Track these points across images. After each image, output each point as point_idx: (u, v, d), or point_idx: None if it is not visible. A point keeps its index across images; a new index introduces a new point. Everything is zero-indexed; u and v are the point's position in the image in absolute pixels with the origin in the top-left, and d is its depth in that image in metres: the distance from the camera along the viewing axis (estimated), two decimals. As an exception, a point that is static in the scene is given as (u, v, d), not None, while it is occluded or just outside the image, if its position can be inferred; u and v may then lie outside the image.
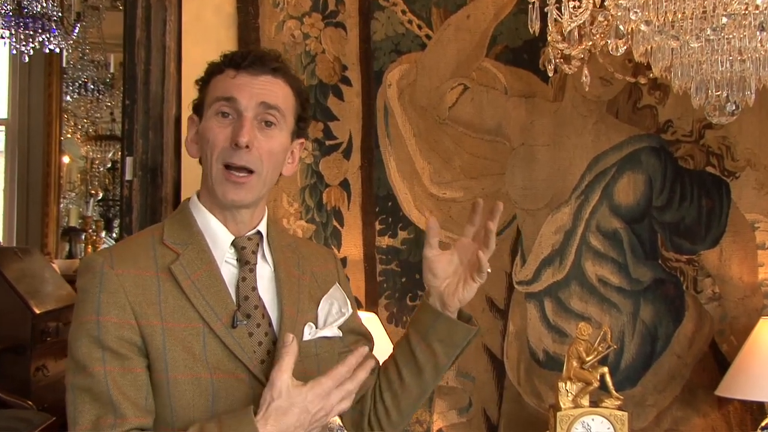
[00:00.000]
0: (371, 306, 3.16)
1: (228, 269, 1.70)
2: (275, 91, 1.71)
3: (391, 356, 1.93)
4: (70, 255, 9.26)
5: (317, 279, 1.84)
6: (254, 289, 1.70)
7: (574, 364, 2.89)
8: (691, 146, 3.19)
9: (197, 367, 1.62)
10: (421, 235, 3.18)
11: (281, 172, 1.77)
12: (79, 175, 10.92)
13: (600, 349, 2.89)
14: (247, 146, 1.65)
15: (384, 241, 3.20)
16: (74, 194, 10.66)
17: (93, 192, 10.74)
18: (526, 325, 3.20)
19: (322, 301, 1.81)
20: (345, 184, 3.19)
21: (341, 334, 1.82)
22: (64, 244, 9.38)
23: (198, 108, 1.75)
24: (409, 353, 1.88)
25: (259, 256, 1.74)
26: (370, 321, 2.99)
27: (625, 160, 3.20)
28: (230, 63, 1.71)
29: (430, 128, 3.21)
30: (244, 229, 1.73)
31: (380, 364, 1.92)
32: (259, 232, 1.75)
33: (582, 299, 3.18)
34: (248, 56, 1.71)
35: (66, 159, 9.36)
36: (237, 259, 1.72)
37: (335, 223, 3.17)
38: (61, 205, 9.27)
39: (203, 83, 1.75)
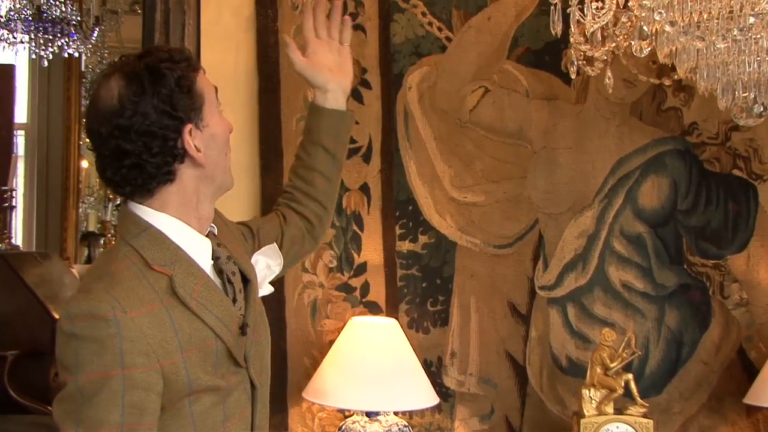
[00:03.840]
0: (392, 311, 3.13)
1: (212, 275, 1.70)
2: None
3: (302, 165, 2.15)
4: (89, 260, 9.29)
5: (234, 234, 1.91)
6: (234, 273, 1.74)
7: (598, 370, 2.85)
8: (717, 149, 3.14)
9: (215, 380, 1.61)
10: (443, 239, 3.16)
11: None
12: (97, 180, 10.95)
13: (624, 355, 2.85)
14: None
15: (404, 246, 3.17)
16: (93, 199, 10.69)
17: (111, 196, 10.77)
18: (548, 331, 3.16)
19: (252, 260, 1.85)
20: (365, 188, 3.16)
21: (272, 290, 1.91)
22: (83, 249, 9.41)
23: (192, 114, 1.65)
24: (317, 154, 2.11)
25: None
26: (391, 326, 2.97)
27: (649, 163, 3.15)
28: (198, 65, 1.72)
29: (451, 131, 3.17)
30: (206, 230, 1.73)
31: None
32: (212, 227, 1.76)
33: (605, 305, 3.14)
34: (188, 52, 1.75)
35: (85, 163, 9.38)
36: (216, 258, 1.70)
37: (355, 227, 3.14)
38: (80, 210, 9.30)
39: (189, 86, 1.65)
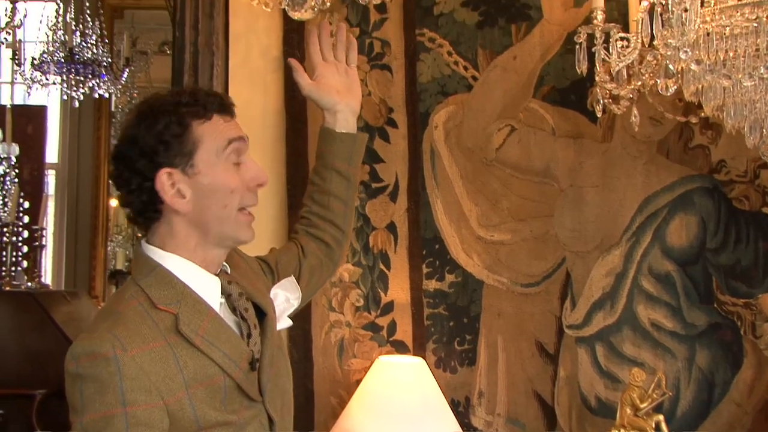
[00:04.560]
0: (419, 350, 3.12)
1: (222, 312, 1.69)
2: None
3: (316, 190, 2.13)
4: (118, 298, 9.32)
5: (254, 271, 1.91)
6: (247, 310, 1.72)
7: (628, 411, 2.81)
8: (746, 186, 3.12)
9: (224, 416, 1.61)
10: (470, 278, 3.15)
11: None
12: (126, 218, 11.05)
13: (654, 395, 2.81)
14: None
15: (431, 285, 3.16)
16: (121, 237, 10.77)
17: (139, 235, 10.84)
18: (577, 371, 3.13)
19: (270, 294, 1.84)
20: (392, 227, 3.16)
21: (291, 323, 1.88)
22: (110, 287, 9.46)
23: (178, 161, 1.65)
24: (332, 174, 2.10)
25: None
26: (418, 366, 2.95)
27: (677, 201, 3.13)
28: (215, 108, 1.68)
29: (477, 170, 3.18)
30: (217, 268, 1.72)
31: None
32: (224, 266, 1.76)
33: (635, 344, 3.11)
34: (223, 100, 1.72)
35: (113, 202, 9.47)
36: (227, 295, 1.70)
37: (382, 266, 3.14)
38: (108, 248, 9.37)
39: (181, 131, 1.64)
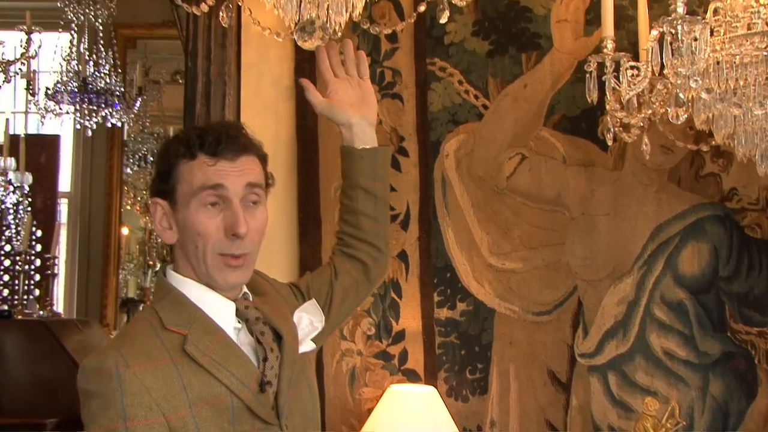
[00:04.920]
0: (430, 379, 3.11)
1: (235, 334, 1.70)
2: (254, 169, 1.72)
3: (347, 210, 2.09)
4: (129, 326, 9.32)
5: (284, 297, 1.90)
6: (263, 333, 1.72)
7: (642, 440, 2.79)
8: (758, 214, 3.12)
9: None
10: (481, 306, 3.14)
11: None
12: (137, 246, 11.07)
13: (668, 425, 2.79)
14: (245, 235, 1.66)
15: (443, 313, 3.16)
16: (132, 265, 10.79)
17: (151, 263, 10.86)
18: (589, 400, 3.11)
19: (294, 317, 1.84)
20: (403, 256, 3.17)
21: (315, 347, 1.87)
22: (122, 315, 9.47)
23: (166, 193, 1.69)
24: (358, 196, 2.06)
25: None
26: (429, 395, 2.94)
27: (688, 229, 3.13)
28: (202, 148, 1.67)
29: (489, 198, 3.18)
30: (236, 294, 1.74)
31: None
32: (246, 294, 1.77)
33: (648, 373, 3.09)
34: (221, 140, 1.68)
35: (125, 230, 9.50)
36: (245, 320, 1.71)
37: (393, 295, 3.14)
38: (120, 276, 9.38)
39: (169, 168, 1.68)
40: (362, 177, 2.05)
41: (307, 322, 1.85)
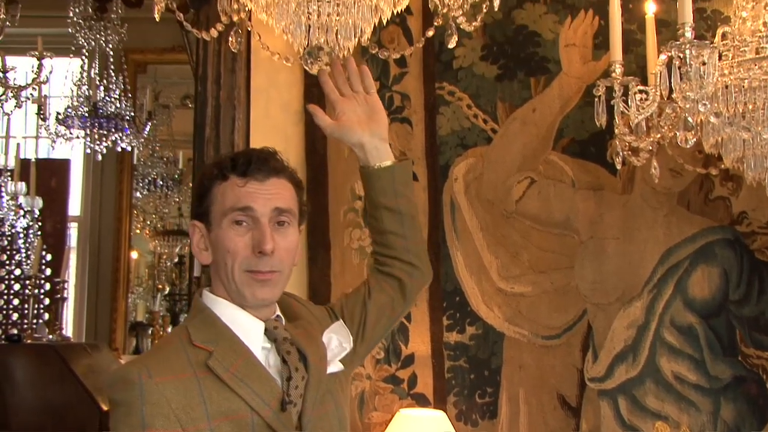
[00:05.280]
0: (439, 403, 3.10)
1: (263, 354, 1.73)
2: (284, 193, 1.75)
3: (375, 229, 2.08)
4: (137, 350, 9.33)
5: (318, 320, 1.91)
6: (289, 353, 1.74)
7: (652, 465, 2.77)
8: (768, 238, 3.11)
9: None
10: (490, 330, 3.14)
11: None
12: (146, 270, 11.09)
13: (679, 450, 2.78)
14: (271, 252, 1.69)
15: (452, 337, 3.15)
16: (142, 289, 10.80)
17: (160, 287, 10.87)
18: (599, 424, 3.09)
19: (323, 338, 1.85)
20: (412, 279, 3.16)
21: (344, 368, 1.87)
22: (131, 339, 9.46)
23: (202, 215, 1.75)
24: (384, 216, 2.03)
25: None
26: (439, 419, 2.93)
27: (698, 252, 3.12)
28: (234, 170, 1.73)
29: (497, 222, 3.18)
30: (268, 315, 1.76)
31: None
32: (278, 316, 1.79)
33: (658, 397, 3.07)
34: (252, 161, 1.73)
35: (134, 254, 9.52)
36: (273, 340, 1.73)
37: (402, 318, 3.13)
38: (129, 300, 9.39)
39: (204, 190, 1.75)
40: (382, 196, 2.03)
41: (336, 342, 1.86)
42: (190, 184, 8.31)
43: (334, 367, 1.84)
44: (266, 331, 1.74)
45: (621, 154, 2.66)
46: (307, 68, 2.26)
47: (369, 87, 2.03)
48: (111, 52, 6.98)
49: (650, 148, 2.62)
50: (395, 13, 2.01)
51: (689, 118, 2.34)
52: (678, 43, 2.05)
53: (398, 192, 2.03)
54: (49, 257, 6.89)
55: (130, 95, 7.32)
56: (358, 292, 2.04)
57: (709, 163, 3.02)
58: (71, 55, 7.06)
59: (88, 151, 7.15)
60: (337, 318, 1.96)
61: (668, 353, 3.10)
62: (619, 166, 2.71)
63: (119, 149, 7.34)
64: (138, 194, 9.53)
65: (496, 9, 2.17)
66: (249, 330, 1.73)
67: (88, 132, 6.85)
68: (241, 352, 1.68)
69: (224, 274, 1.72)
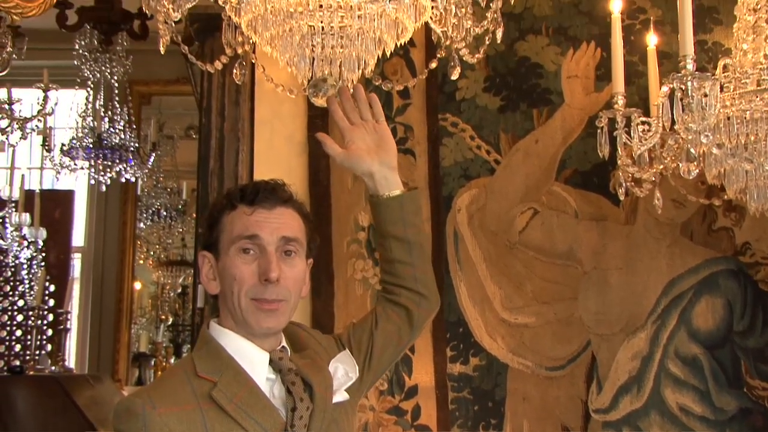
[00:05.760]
0: (443, 435, 3.08)
1: (268, 385, 1.73)
2: (291, 223, 1.77)
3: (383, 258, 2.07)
4: (140, 381, 9.30)
5: (325, 349, 1.91)
6: (294, 383, 1.74)
7: (658, 498, 2.75)
8: (772, 269, 3.11)
9: None
10: (494, 361, 3.12)
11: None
12: (150, 301, 11.07)
13: (685, 482, 2.76)
14: (277, 280, 1.71)
15: (455, 368, 3.14)
16: (145, 320, 10.78)
17: (163, 317, 10.85)
18: (604, 456, 3.08)
19: (329, 367, 1.85)
20: (415, 310, 3.15)
21: (349, 397, 1.86)
22: (134, 370, 9.43)
23: (211, 245, 1.77)
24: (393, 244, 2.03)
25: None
26: (443, 451, 2.91)
27: (702, 283, 3.12)
28: (242, 199, 1.76)
29: (501, 253, 3.18)
30: (273, 345, 1.77)
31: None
32: (284, 347, 1.79)
33: (663, 429, 3.05)
34: (259, 191, 1.76)
35: (138, 285, 9.51)
36: (278, 370, 1.74)
37: (406, 350, 3.12)
38: (132, 331, 9.37)
39: (213, 220, 1.77)
40: (391, 226, 2.03)
41: (342, 372, 1.87)
42: (194, 215, 8.33)
43: (340, 396, 1.84)
44: (271, 362, 1.75)
45: (624, 185, 2.66)
46: (312, 101, 2.27)
47: (378, 115, 2.04)
48: (116, 84, 7.02)
49: (653, 179, 2.62)
50: (398, 46, 2.03)
51: (692, 150, 2.35)
52: (680, 75, 2.06)
53: (407, 221, 2.03)
54: (52, 288, 6.88)
55: (134, 126, 7.35)
56: (365, 321, 2.04)
57: (712, 194, 3.03)
58: (76, 87, 7.10)
59: (93, 182, 7.16)
60: (344, 347, 1.95)
61: (673, 384, 3.08)
62: (622, 197, 2.71)
63: (123, 180, 7.36)
64: (141, 225, 9.55)
65: (498, 41, 2.19)
66: (254, 361, 1.73)
67: (93, 163, 6.87)
68: (245, 383, 1.69)
69: (231, 302, 1.73)
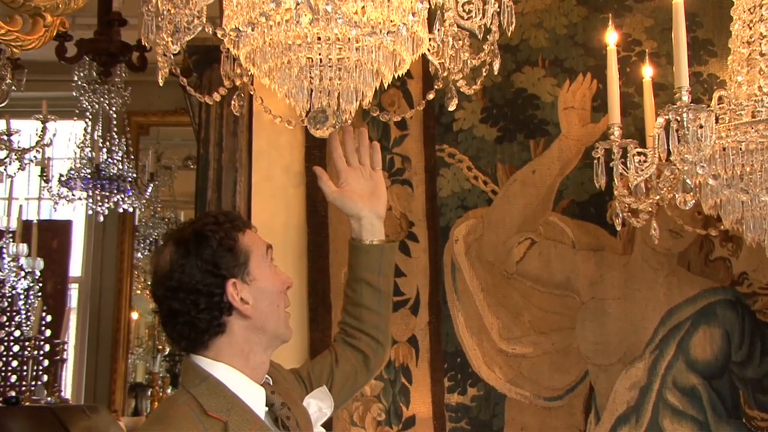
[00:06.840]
0: (441, 467, 3.06)
1: (268, 420, 1.76)
2: None
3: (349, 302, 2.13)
4: (136, 411, 9.25)
5: (291, 384, 1.95)
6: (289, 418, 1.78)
7: None
8: (769, 299, 3.11)
9: None
10: (492, 391, 3.11)
11: None
12: (146, 331, 11.04)
13: None
14: None
15: (453, 399, 3.13)
16: (142, 350, 10.74)
17: (160, 347, 10.81)
18: (603, 488, 3.06)
19: (304, 403, 1.89)
20: (413, 341, 3.16)
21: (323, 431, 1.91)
22: (130, 401, 9.38)
23: (239, 267, 1.76)
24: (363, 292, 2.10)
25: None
26: (441, 483, 2.90)
27: (699, 313, 3.12)
28: (240, 222, 1.83)
29: (498, 283, 3.18)
30: (262, 376, 1.81)
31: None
32: (267, 379, 1.82)
33: (662, 460, 3.04)
34: (237, 215, 1.88)
35: (135, 315, 9.49)
36: (270, 404, 1.77)
37: (404, 380, 3.12)
38: (129, 361, 9.34)
39: (230, 246, 1.76)
40: (367, 272, 2.09)
41: (316, 407, 1.89)
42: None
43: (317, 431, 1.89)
44: (270, 406, 1.77)
45: (621, 215, 2.67)
46: (312, 132, 2.29)
47: (376, 164, 2.11)
48: (114, 115, 7.06)
49: (650, 209, 2.63)
50: (396, 77, 2.04)
51: (688, 180, 2.36)
52: (675, 106, 2.08)
53: (383, 271, 2.10)
54: (49, 318, 6.88)
55: (132, 157, 7.38)
56: (325, 358, 2.10)
57: (708, 224, 3.03)
58: (75, 118, 7.14)
59: (90, 212, 7.18)
60: (304, 382, 2.00)
61: (671, 415, 3.07)
62: (618, 228, 2.72)
63: (121, 210, 7.37)
64: (139, 255, 9.54)
65: (496, 73, 2.20)
66: (253, 397, 1.74)
67: (91, 193, 6.89)
68: (254, 422, 1.70)
69: (271, 317, 1.77)
